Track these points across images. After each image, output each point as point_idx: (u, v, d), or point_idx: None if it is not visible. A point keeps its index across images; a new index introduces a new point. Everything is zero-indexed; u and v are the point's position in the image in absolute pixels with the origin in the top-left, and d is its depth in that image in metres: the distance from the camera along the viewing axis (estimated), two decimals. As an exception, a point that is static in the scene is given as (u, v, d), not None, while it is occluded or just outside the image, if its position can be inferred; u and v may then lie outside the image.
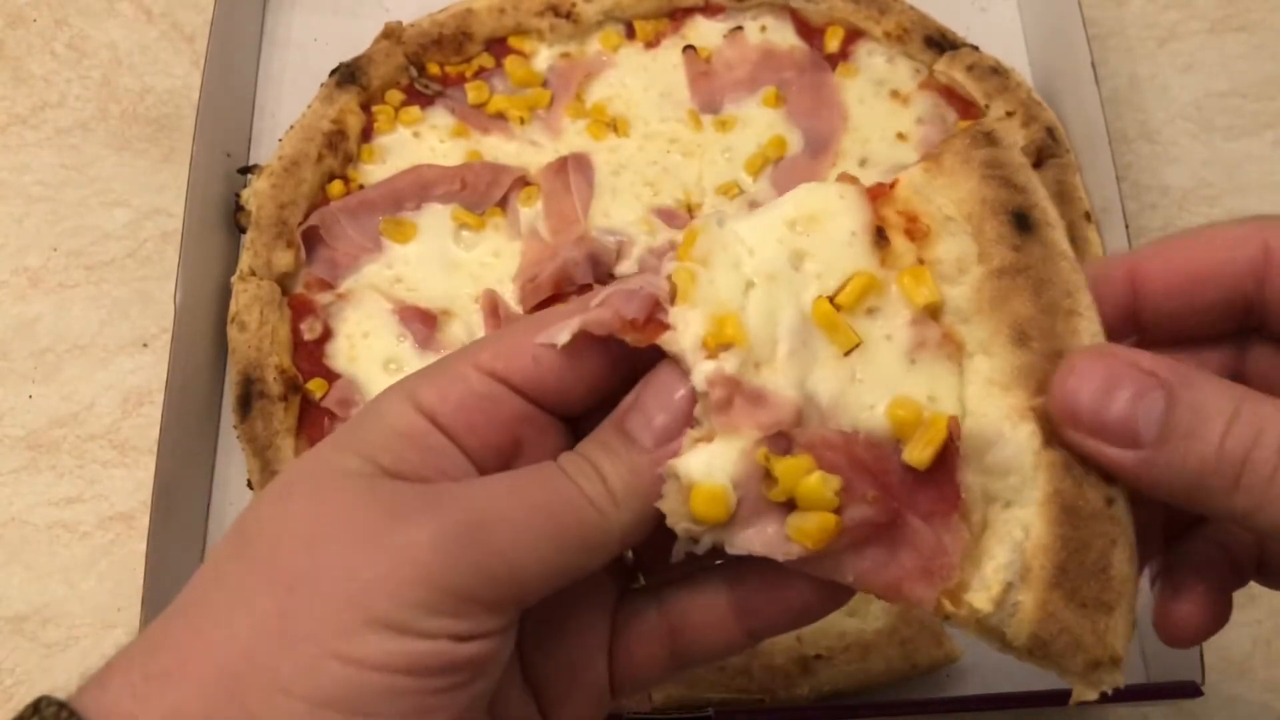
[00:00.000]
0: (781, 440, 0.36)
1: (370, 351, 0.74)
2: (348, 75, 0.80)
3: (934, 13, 0.83)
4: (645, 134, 0.80)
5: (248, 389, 0.71)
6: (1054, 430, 0.36)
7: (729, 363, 0.36)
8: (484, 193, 0.78)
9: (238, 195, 0.78)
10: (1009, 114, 0.79)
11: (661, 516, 0.36)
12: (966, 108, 0.80)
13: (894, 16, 0.82)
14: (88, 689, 0.33)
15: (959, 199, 0.39)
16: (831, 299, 0.37)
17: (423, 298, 0.75)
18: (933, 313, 0.38)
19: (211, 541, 0.71)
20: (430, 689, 0.32)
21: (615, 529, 0.36)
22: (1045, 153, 0.78)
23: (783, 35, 0.83)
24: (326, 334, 0.74)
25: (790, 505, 0.35)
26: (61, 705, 0.32)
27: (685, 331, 0.36)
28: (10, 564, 0.71)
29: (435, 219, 0.78)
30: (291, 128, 0.79)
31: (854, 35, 0.83)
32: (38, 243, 0.80)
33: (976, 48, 0.82)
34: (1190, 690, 0.61)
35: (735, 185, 0.78)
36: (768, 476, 0.35)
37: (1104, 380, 0.35)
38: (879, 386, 0.37)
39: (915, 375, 0.37)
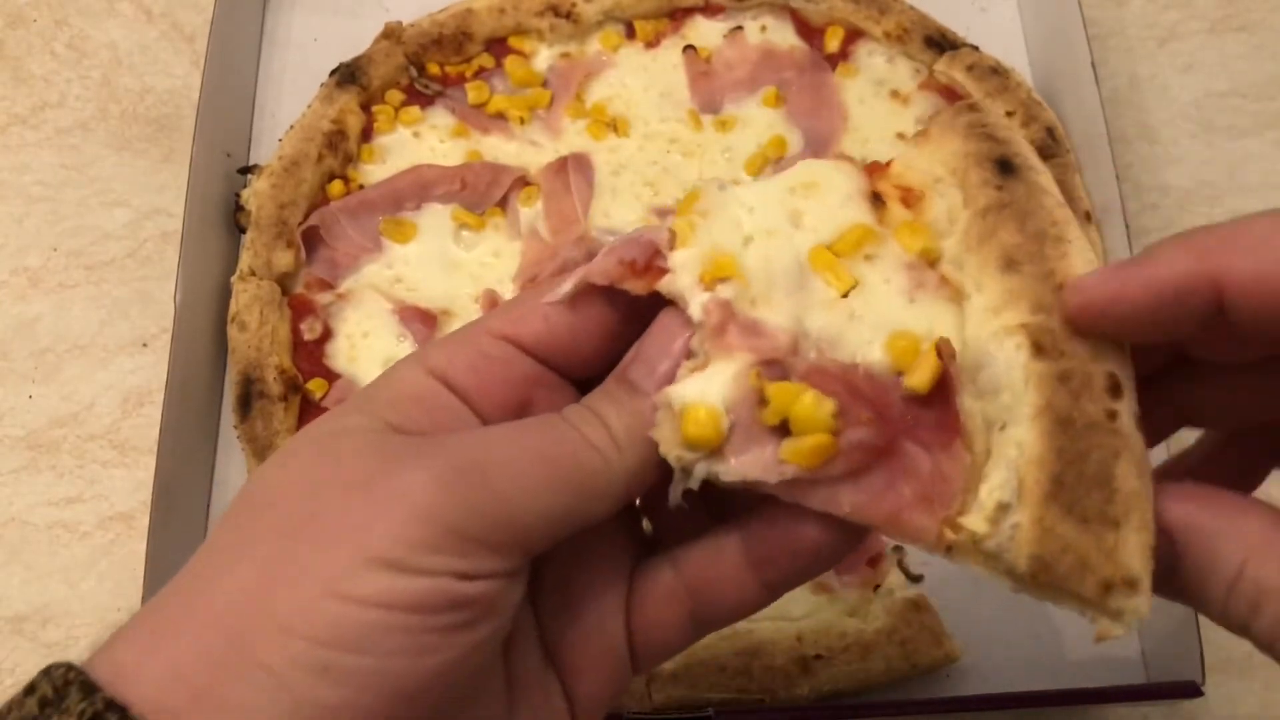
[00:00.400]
0: (776, 368, 0.36)
1: (370, 351, 0.74)
2: (348, 75, 0.80)
3: (934, 13, 0.83)
4: (645, 134, 0.80)
5: (248, 389, 0.71)
6: (1047, 343, 0.34)
7: (725, 291, 0.36)
8: (484, 193, 0.78)
9: (238, 195, 0.78)
10: (1009, 114, 0.79)
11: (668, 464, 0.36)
12: (966, 108, 0.80)
13: (894, 16, 0.82)
14: (98, 652, 0.33)
15: (945, 158, 0.39)
16: (829, 248, 0.38)
17: (423, 298, 0.75)
18: (929, 261, 0.38)
19: (211, 541, 0.71)
20: (431, 627, 0.32)
21: (618, 474, 0.36)
22: (1045, 153, 0.77)
23: (783, 35, 0.83)
24: (326, 334, 0.74)
25: (785, 431, 0.35)
26: (70, 667, 0.32)
27: (683, 272, 0.37)
28: (10, 564, 0.71)
29: (435, 219, 0.78)
30: (291, 128, 0.79)
31: (854, 35, 0.83)
32: (38, 243, 0.80)
33: (976, 48, 0.82)
34: (1190, 690, 0.61)
35: (735, 185, 0.78)
36: (761, 401, 0.35)
37: None
38: (878, 323, 0.37)
39: (914, 312, 0.37)
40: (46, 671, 0.32)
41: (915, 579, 0.69)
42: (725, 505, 0.40)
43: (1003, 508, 0.34)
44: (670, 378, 0.36)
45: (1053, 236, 0.36)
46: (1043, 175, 0.38)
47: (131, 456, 0.74)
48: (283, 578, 0.32)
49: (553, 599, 0.39)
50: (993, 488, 0.34)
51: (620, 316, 0.38)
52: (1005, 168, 0.38)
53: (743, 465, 0.35)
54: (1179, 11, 0.88)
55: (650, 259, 0.37)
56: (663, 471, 0.37)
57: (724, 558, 0.39)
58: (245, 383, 0.71)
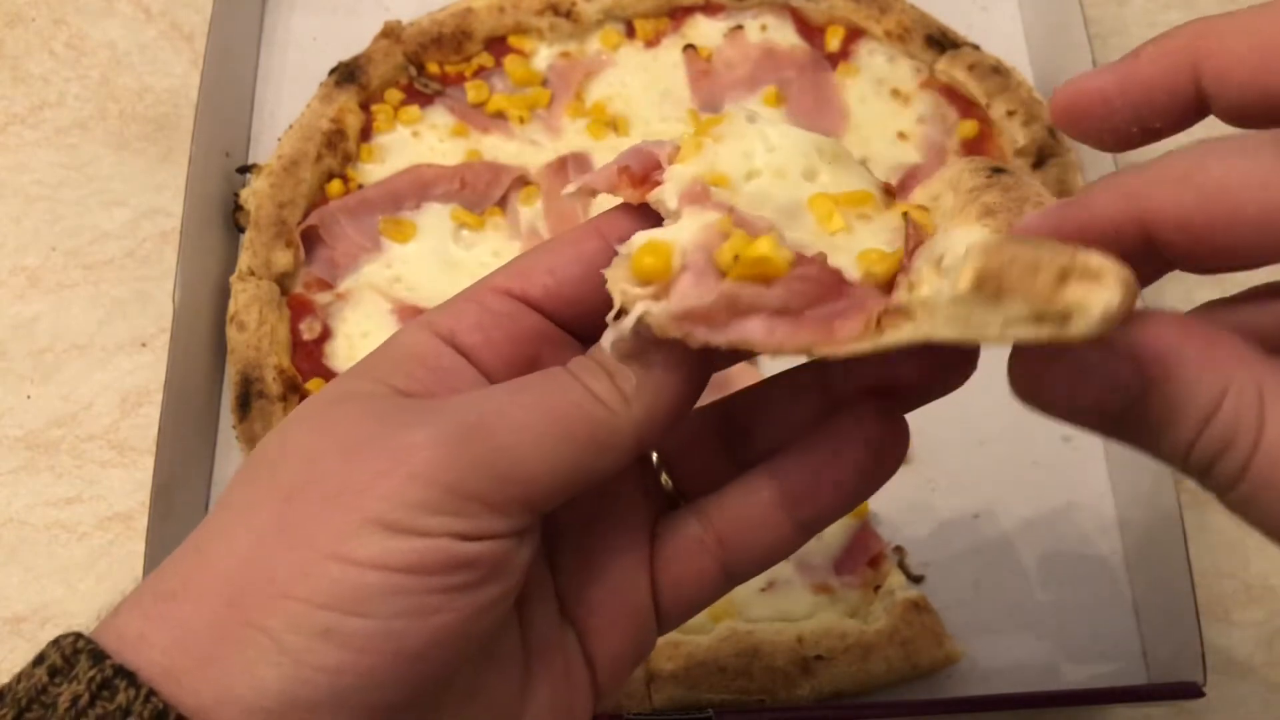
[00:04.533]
0: (747, 227, 0.35)
1: (369, 351, 0.73)
2: (347, 74, 0.80)
3: (935, 12, 0.83)
4: (645, 133, 0.80)
5: (247, 389, 0.71)
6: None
7: (710, 192, 0.36)
8: (484, 192, 0.78)
9: (236, 195, 0.78)
10: (1010, 113, 0.78)
11: (680, 413, 0.35)
12: (968, 107, 0.80)
13: (895, 15, 0.82)
14: (104, 621, 0.34)
15: (948, 177, 0.39)
16: (831, 199, 0.37)
17: (422, 297, 0.75)
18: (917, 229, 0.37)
19: (210, 542, 0.71)
20: (432, 588, 0.32)
21: (626, 426, 0.35)
22: (1046, 152, 0.77)
23: (783, 34, 0.83)
24: (326, 334, 0.74)
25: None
26: (78, 635, 0.32)
27: (673, 184, 0.36)
28: (9, 564, 0.71)
29: (435, 218, 0.77)
30: (290, 127, 0.79)
31: (855, 34, 0.83)
32: (36, 242, 0.80)
33: (977, 47, 0.82)
34: (1191, 691, 0.61)
35: (735, 185, 0.78)
36: (720, 238, 0.34)
37: (1072, 365, 0.30)
38: (854, 248, 0.36)
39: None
40: (55, 641, 0.33)
41: (916, 580, 0.68)
42: (750, 451, 0.40)
43: (944, 270, 0.31)
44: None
45: (1033, 201, 0.35)
46: (1033, 181, 0.37)
47: (130, 456, 0.74)
48: (280, 542, 0.32)
49: (571, 560, 0.39)
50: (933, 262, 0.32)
51: None
52: (996, 170, 0.38)
53: (683, 295, 0.34)
54: (1180, 11, 0.88)
55: (649, 170, 0.37)
56: (674, 420, 0.36)
57: (755, 500, 0.38)
58: (244, 383, 0.71)
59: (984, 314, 0.28)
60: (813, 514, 0.38)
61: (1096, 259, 0.27)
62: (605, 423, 0.35)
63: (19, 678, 0.32)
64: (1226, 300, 0.35)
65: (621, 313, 0.35)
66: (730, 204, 0.36)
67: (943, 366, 0.38)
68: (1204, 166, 0.30)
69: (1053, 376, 0.30)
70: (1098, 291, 0.27)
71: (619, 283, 0.35)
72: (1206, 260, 0.31)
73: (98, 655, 0.32)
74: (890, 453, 0.38)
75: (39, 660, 0.32)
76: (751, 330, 0.34)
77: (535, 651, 0.38)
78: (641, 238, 0.35)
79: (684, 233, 0.35)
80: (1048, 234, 0.32)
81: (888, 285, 0.35)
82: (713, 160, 0.37)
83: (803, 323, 0.34)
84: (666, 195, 0.36)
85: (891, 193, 0.39)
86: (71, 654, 0.32)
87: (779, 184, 0.37)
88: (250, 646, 0.31)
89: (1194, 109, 0.33)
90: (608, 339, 0.35)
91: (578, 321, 0.38)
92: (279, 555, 0.32)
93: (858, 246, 0.36)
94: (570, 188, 0.38)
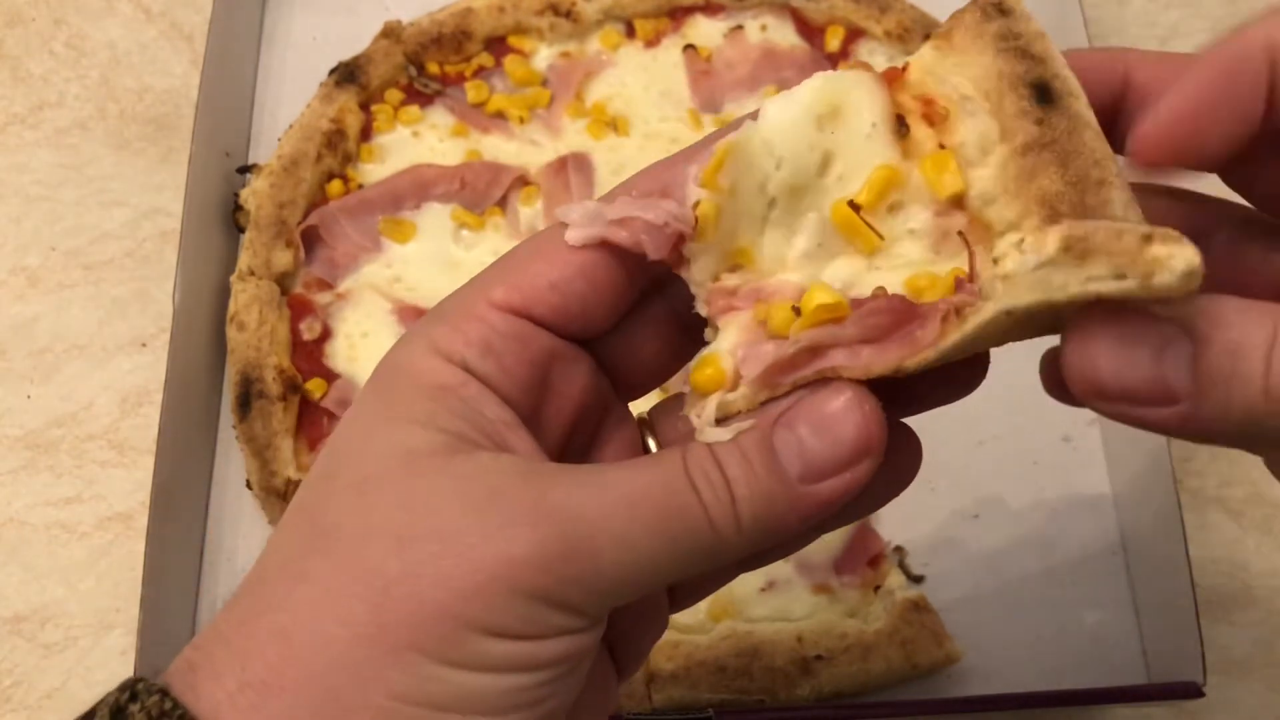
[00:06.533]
0: (777, 297, 0.36)
1: (370, 351, 0.73)
2: (347, 74, 0.80)
3: (935, 11, 0.83)
4: (645, 133, 0.80)
5: (247, 389, 0.71)
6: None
7: (732, 279, 0.36)
8: (484, 192, 0.78)
9: (236, 195, 0.78)
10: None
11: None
12: (967, 107, 0.80)
13: (894, 15, 0.82)
14: (175, 683, 0.33)
15: (975, 76, 0.36)
16: (853, 202, 0.36)
17: (422, 297, 0.75)
18: (957, 201, 0.36)
19: (210, 541, 0.71)
20: (542, 681, 0.33)
21: (727, 554, 0.34)
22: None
23: (783, 34, 0.83)
24: (326, 334, 0.74)
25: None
26: (163, 694, 0.32)
27: (698, 266, 0.36)
28: (9, 564, 0.71)
29: (435, 218, 0.77)
30: (290, 127, 0.79)
31: (854, 34, 0.83)
32: (36, 242, 0.80)
33: (977, 47, 0.82)
34: (1191, 691, 0.61)
35: (735, 185, 0.78)
36: (764, 321, 0.35)
37: (1119, 342, 0.31)
38: (899, 269, 0.36)
39: (938, 262, 0.36)
40: (133, 691, 0.32)
41: (916, 579, 0.68)
42: None
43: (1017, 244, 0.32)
44: (822, 470, 0.33)
45: (1094, 181, 0.34)
46: (1080, 99, 0.35)
47: (130, 456, 0.74)
48: (382, 644, 0.31)
49: None
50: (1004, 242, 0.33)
51: (629, 276, 0.37)
52: (1044, 95, 0.35)
53: (749, 365, 0.34)
54: (1180, 11, 0.88)
55: (675, 244, 0.36)
56: (781, 538, 0.35)
57: None
58: (244, 382, 0.71)
59: (1066, 275, 0.30)
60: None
61: (1175, 231, 0.29)
62: (711, 549, 0.33)
63: None
64: None
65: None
66: (756, 286, 0.36)
67: (954, 380, 0.38)
68: None
69: (1106, 352, 0.31)
70: (1181, 249, 0.29)
71: (691, 410, 0.35)
72: None
73: None
74: (907, 469, 0.38)
75: (118, 713, 0.32)
76: (835, 358, 0.34)
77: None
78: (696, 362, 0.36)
79: (725, 342, 0.36)
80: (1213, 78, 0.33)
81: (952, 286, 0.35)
82: (731, 225, 0.36)
83: (886, 346, 0.34)
84: (693, 281, 0.36)
85: (904, 120, 0.37)
86: (159, 716, 0.31)
87: (798, 202, 0.36)
88: None
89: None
90: (709, 436, 0.35)
91: (583, 332, 0.37)
92: (384, 658, 0.31)
93: (899, 263, 0.36)
94: (581, 232, 0.36)
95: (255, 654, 0.32)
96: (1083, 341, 0.31)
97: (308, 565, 0.33)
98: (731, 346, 0.35)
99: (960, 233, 0.35)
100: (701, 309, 0.36)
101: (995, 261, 0.33)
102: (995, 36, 0.36)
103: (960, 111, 0.36)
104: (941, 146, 0.36)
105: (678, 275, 0.37)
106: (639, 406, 0.42)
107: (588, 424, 0.39)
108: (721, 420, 0.35)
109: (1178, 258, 0.29)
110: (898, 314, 0.34)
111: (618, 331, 0.38)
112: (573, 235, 0.36)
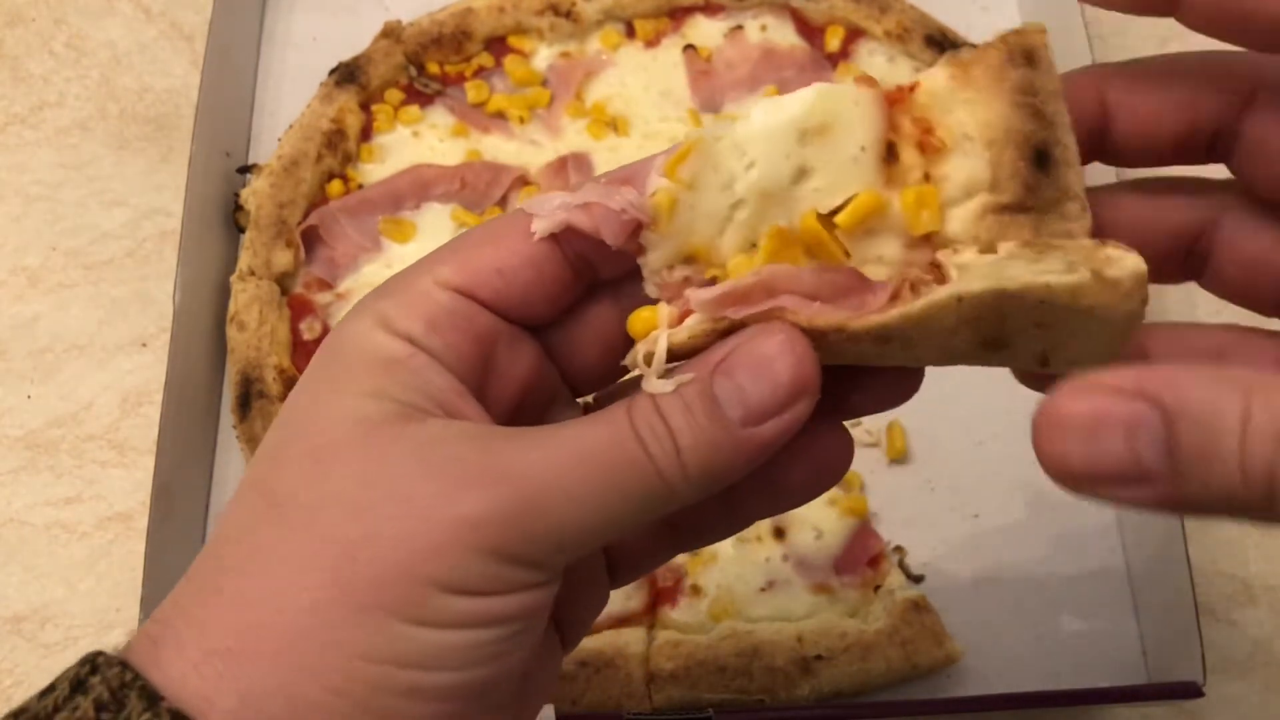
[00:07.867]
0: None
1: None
2: (347, 74, 0.80)
3: (935, 12, 0.83)
4: (645, 133, 0.80)
5: (247, 389, 0.71)
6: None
7: (681, 271, 0.36)
8: (484, 192, 0.78)
9: (237, 195, 0.78)
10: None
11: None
12: (967, 107, 0.80)
13: (895, 15, 0.82)
14: (136, 657, 0.33)
15: (983, 121, 0.36)
16: (830, 215, 0.36)
17: (422, 297, 0.75)
18: (928, 236, 0.36)
19: (210, 542, 0.71)
20: (503, 636, 0.33)
21: (676, 501, 0.35)
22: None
23: (783, 34, 0.83)
24: (326, 334, 0.74)
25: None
26: (124, 665, 0.32)
27: (653, 255, 0.36)
28: (9, 564, 0.71)
29: (435, 218, 0.77)
30: (290, 127, 0.79)
31: (854, 34, 0.83)
32: (36, 242, 0.80)
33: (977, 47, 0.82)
34: (1191, 690, 0.61)
35: (735, 185, 0.78)
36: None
37: (1088, 425, 0.30)
38: (868, 258, 0.36)
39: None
40: (93, 664, 0.32)
41: (916, 579, 0.68)
42: None
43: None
44: (763, 412, 0.34)
45: (1061, 236, 0.35)
46: (1074, 170, 0.35)
47: (130, 456, 0.74)
48: (347, 607, 0.32)
49: None
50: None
51: (576, 268, 0.37)
52: (1042, 161, 0.35)
53: (700, 296, 0.35)
54: (1180, 10, 0.88)
55: (631, 233, 0.36)
56: (729, 481, 0.36)
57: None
58: (244, 382, 0.71)
59: (1019, 267, 0.32)
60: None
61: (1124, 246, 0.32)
62: (660, 496, 0.34)
63: (54, 703, 0.32)
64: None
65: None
66: (706, 279, 0.36)
67: (890, 387, 0.39)
68: None
69: (1075, 438, 0.30)
70: (1131, 254, 0.32)
71: (635, 357, 0.36)
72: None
73: (151, 696, 0.31)
74: (834, 467, 0.39)
75: (77, 686, 0.32)
76: (785, 301, 0.34)
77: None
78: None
79: (664, 311, 0.36)
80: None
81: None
82: (688, 220, 0.36)
83: (836, 304, 0.34)
84: (646, 271, 0.37)
85: (895, 147, 0.36)
86: (119, 688, 0.32)
87: (767, 207, 0.36)
88: (334, 712, 0.32)
89: None
90: (653, 386, 0.35)
91: (526, 316, 0.38)
92: (349, 620, 0.32)
93: (870, 256, 0.36)
94: (544, 222, 0.36)
95: (217, 623, 0.33)
96: (1050, 429, 0.31)
97: (266, 535, 0.34)
98: (670, 309, 0.36)
99: (932, 263, 0.36)
100: (652, 292, 0.37)
101: (955, 258, 0.34)
102: (1014, 87, 0.36)
103: (957, 149, 0.36)
104: (927, 177, 0.36)
105: (631, 283, 0.37)
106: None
107: (535, 406, 0.39)
108: (663, 375, 0.35)
109: (1129, 259, 0.31)
110: (854, 282, 0.35)
111: (566, 328, 0.39)
112: (539, 225, 0.36)
